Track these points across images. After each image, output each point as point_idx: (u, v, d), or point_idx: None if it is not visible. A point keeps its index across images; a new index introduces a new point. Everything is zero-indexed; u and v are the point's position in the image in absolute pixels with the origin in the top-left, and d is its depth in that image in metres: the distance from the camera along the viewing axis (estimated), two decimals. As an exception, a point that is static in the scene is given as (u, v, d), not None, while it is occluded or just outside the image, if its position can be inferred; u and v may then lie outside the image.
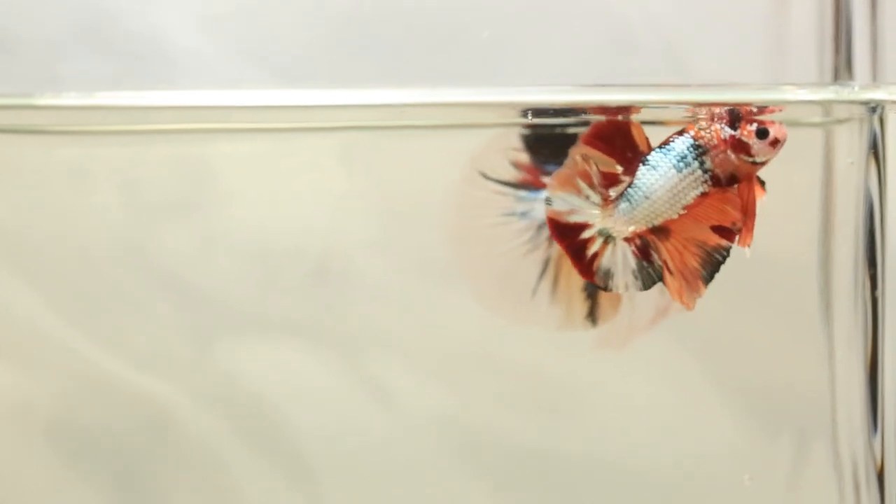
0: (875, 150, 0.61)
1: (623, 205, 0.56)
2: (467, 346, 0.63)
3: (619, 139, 0.57)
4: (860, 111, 0.61)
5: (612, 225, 0.56)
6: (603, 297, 0.58)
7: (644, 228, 0.56)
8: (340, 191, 0.63)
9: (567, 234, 0.57)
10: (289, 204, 0.63)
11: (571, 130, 0.57)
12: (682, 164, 0.56)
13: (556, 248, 0.58)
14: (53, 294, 0.63)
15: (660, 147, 0.56)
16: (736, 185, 0.56)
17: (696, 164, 0.56)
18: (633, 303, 0.58)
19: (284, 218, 0.63)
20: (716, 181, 0.56)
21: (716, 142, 0.56)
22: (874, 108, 0.61)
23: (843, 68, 0.63)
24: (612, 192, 0.56)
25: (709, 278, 0.56)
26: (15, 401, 0.63)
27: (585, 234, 0.57)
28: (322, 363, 0.64)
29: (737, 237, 0.56)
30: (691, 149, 0.56)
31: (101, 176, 0.63)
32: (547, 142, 0.58)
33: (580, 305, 0.58)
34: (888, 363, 0.62)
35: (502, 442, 0.64)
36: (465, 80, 0.61)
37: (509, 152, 0.58)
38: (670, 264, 0.56)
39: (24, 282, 0.63)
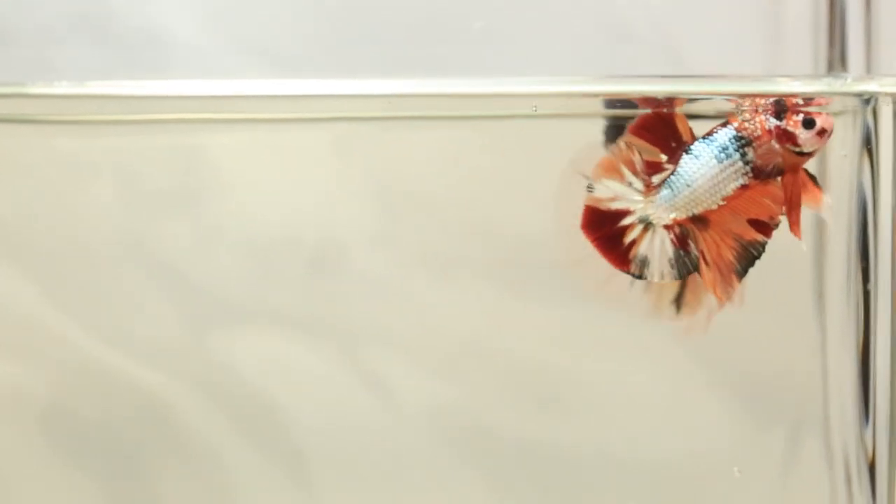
0: (868, 142, 0.61)
1: (665, 192, 0.57)
2: (466, 340, 0.63)
3: (663, 129, 0.57)
4: (854, 103, 0.61)
5: (653, 212, 0.57)
6: (691, 284, 0.58)
7: (684, 217, 0.57)
8: (338, 182, 0.63)
9: (603, 223, 0.57)
10: (287, 195, 0.63)
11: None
12: (723, 155, 0.57)
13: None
14: (49, 284, 0.63)
15: (703, 137, 0.57)
16: (780, 178, 0.57)
17: (737, 155, 0.57)
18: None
19: (282, 209, 0.63)
20: (757, 173, 0.57)
21: (760, 132, 0.57)
22: (867, 100, 0.61)
23: (837, 60, 0.63)
24: (656, 180, 0.57)
25: (743, 272, 0.57)
26: (11, 391, 0.63)
27: (626, 221, 0.57)
28: (319, 355, 0.64)
29: (773, 232, 0.57)
30: (733, 140, 0.57)
31: (97, 166, 0.63)
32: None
33: (669, 291, 0.58)
34: (880, 356, 0.62)
35: (501, 436, 0.64)
36: (458, 71, 0.61)
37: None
38: (707, 255, 0.57)
39: (20, 272, 0.63)
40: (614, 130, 0.59)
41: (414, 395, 0.64)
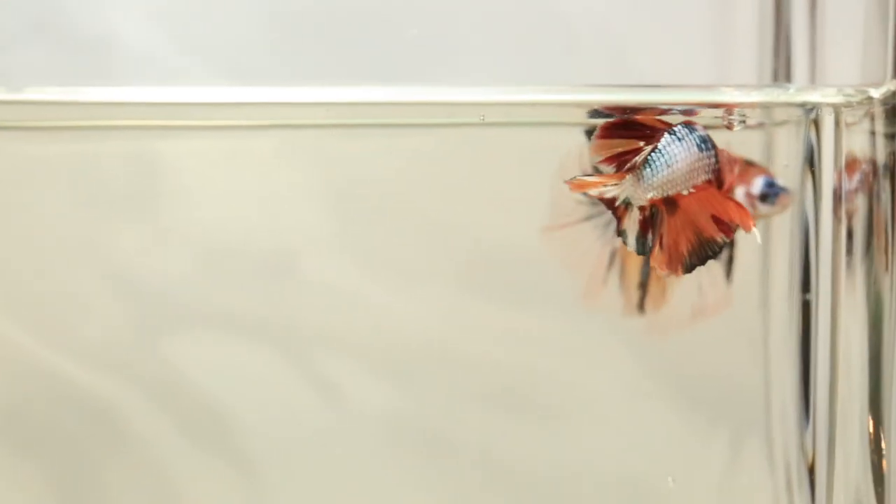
0: (810, 153, 0.62)
1: (647, 170, 0.58)
2: (417, 344, 0.64)
3: (631, 126, 0.59)
4: (797, 113, 0.62)
5: (632, 192, 0.58)
6: (653, 288, 0.61)
7: (660, 197, 0.58)
8: (290, 187, 0.63)
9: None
10: (239, 200, 0.63)
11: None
12: (703, 146, 0.58)
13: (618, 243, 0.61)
14: (1, 288, 0.63)
15: (685, 124, 0.58)
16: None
17: (712, 151, 0.58)
18: (675, 298, 0.61)
19: (234, 214, 0.63)
20: (718, 178, 0.59)
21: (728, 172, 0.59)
22: (810, 110, 0.61)
23: (782, 71, 0.63)
24: (638, 159, 0.58)
25: (691, 267, 0.58)
26: (-41, 396, 0.64)
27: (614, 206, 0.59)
28: (270, 359, 0.64)
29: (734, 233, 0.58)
30: (709, 138, 0.58)
31: (50, 171, 0.63)
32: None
33: (634, 295, 0.61)
34: (820, 364, 0.63)
35: (453, 441, 0.64)
36: (409, 79, 0.62)
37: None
38: (665, 238, 0.58)
39: (-29, 277, 0.63)
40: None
41: (365, 399, 0.64)
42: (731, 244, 0.61)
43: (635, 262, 0.61)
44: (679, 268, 0.59)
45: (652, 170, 0.58)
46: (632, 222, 0.59)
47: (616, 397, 0.64)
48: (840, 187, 0.62)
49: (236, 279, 0.63)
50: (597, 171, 0.59)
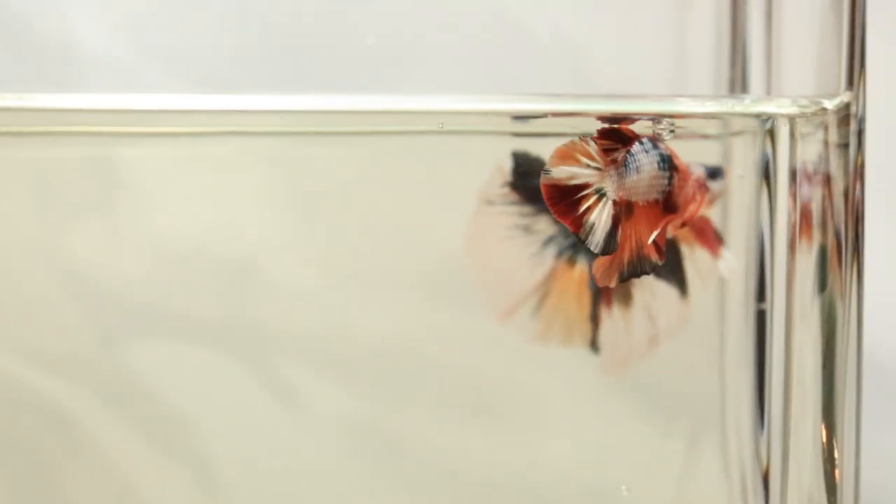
0: (765, 163, 0.62)
1: (623, 168, 0.59)
2: (377, 348, 0.64)
3: (614, 134, 0.59)
4: (753, 124, 0.62)
5: (607, 185, 0.59)
6: (604, 324, 0.61)
7: (625, 198, 0.59)
8: (249, 194, 0.63)
9: (563, 197, 0.59)
10: (198, 206, 0.63)
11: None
12: (661, 164, 0.59)
13: (554, 267, 0.61)
14: (-43, 294, 0.63)
15: (650, 139, 0.59)
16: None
17: (667, 173, 0.59)
18: (629, 331, 0.62)
19: (193, 220, 0.63)
20: (668, 199, 0.59)
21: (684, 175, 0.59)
22: (766, 120, 0.62)
23: (738, 81, 0.64)
24: (619, 156, 0.59)
25: (623, 277, 0.58)
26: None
27: (582, 193, 0.59)
28: (229, 364, 0.64)
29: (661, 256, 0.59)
30: (667, 158, 0.59)
31: (9, 177, 0.63)
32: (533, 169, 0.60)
33: (584, 331, 0.62)
34: (775, 371, 0.63)
35: (415, 449, 0.64)
36: (368, 87, 0.62)
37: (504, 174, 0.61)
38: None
39: (-74, 283, 0.63)
40: (521, 160, 0.61)
41: (325, 404, 0.64)
42: (679, 261, 0.61)
43: (576, 291, 0.61)
44: (614, 277, 0.59)
45: (626, 170, 0.59)
46: (602, 217, 0.59)
47: (572, 403, 0.64)
48: (795, 197, 0.62)
49: (195, 284, 0.63)
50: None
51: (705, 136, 0.62)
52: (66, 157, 0.63)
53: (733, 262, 0.62)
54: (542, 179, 0.59)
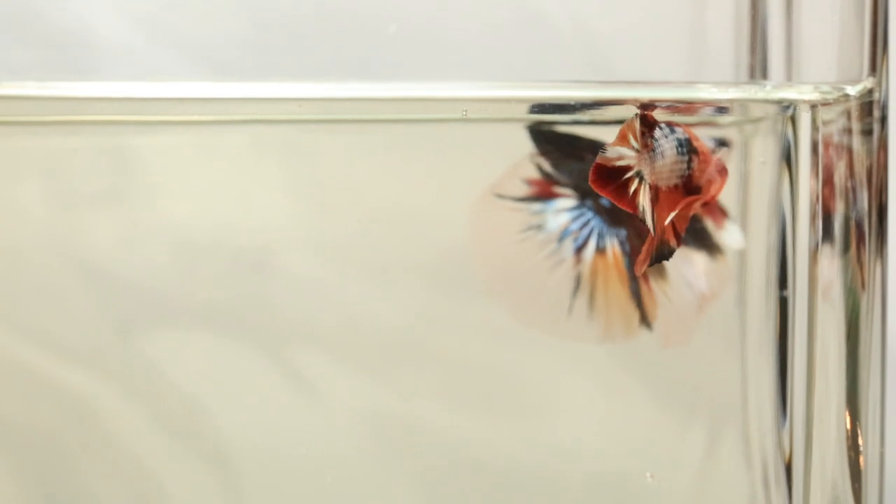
0: (787, 150, 0.62)
1: (653, 153, 0.59)
2: (395, 341, 0.64)
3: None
4: (773, 111, 0.62)
5: (644, 168, 0.59)
6: (647, 300, 0.61)
7: (654, 183, 0.59)
8: (266, 183, 0.63)
9: (611, 177, 0.59)
10: (213, 196, 0.63)
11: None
12: (679, 149, 0.59)
13: (587, 265, 0.61)
14: (-27, 284, 0.63)
15: (668, 124, 0.59)
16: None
17: (686, 157, 0.59)
18: (672, 301, 0.61)
19: (210, 209, 0.63)
20: (687, 184, 0.59)
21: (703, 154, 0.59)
22: (787, 107, 0.62)
23: (758, 67, 0.64)
24: (648, 140, 0.59)
25: (651, 263, 0.59)
26: (-67, 393, 0.63)
27: (627, 175, 0.59)
28: (248, 357, 0.64)
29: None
30: (686, 142, 0.59)
31: (22, 167, 0.63)
32: (555, 139, 0.60)
33: (630, 314, 0.61)
34: (797, 360, 0.63)
35: (432, 440, 0.64)
36: (386, 75, 0.62)
37: (520, 170, 0.61)
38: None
39: (-58, 273, 0.63)
40: (538, 135, 0.60)
41: (343, 397, 0.64)
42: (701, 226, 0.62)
43: (614, 276, 0.61)
44: (645, 264, 0.59)
45: (655, 154, 0.59)
46: (647, 201, 0.59)
47: (591, 393, 0.64)
48: (817, 184, 0.62)
49: (211, 274, 0.63)
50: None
51: (713, 124, 0.62)
52: (81, 147, 0.63)
53: (738, 234, 0.62)
54: (598, 158, 0.59)
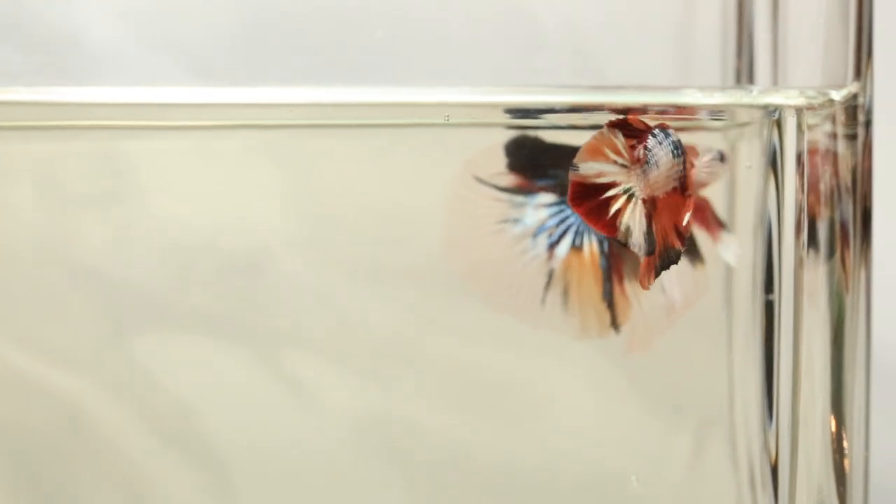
0: (772, 154, 0.62)
1: (644, 167, 0.58)
2: (390, 345, 0.64)
3: (626, 126, 0.59)
4: (759, 115, 0.62)
5: (635, 183, 0.58)
6: (619, 302, 0.60)
7: (650, 195, 0.59)
8: (259, 187, 0.63)
9: (589, 196, 0.58)
10: (207, 200, 0.63)
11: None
12: (675, 152, 0.59)
13: (561, 260, 0.60)
14: (-34, 289, 0.63)
15: (661, 128, 0.59)
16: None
17: (681, 158, 0.59)
18: (643, 306, 0.61)
19: (203, 214, 0.63)
20: (682, 184, 0.59)
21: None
22: (773, 111, 0.62)
23: (744, 72, 0.64)
24: (639, 153, 0.58)
25: (657, 272, 0.59)
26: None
27: (610, 193, 0.58)
28: (240, 360, 0.64)
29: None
30: (679, 143, 0.59)
31: (18, 171, 0.63)
32: (526, 150, 0.60)
33: (601, 314, 0.61)
34: (783, 363, 0.63)
35: (423, 442, 0.64)
36: (368, 80, 0.62)
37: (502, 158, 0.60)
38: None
39: (-65, 278, 0.63)
40: (514, 146, 0.60)
41: (335, 400, 0.64)
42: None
43: (588, 275, 0.61)
44: (652, 275, 0.59)
45: (649, 166, 0.58)
46: (635, 216, 0.59)
47: (578, 396, 0.64)
48: (802, 188, 0.62)
49: (203, 278, 0.63)
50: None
51: (696, 129, 0.62)
52: (74, 151, 0.63)
53: (735, 246, 0.62)
54: (571, 176, 0.58)
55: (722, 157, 0.61)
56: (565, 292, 0.61)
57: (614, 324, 0.61)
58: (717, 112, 0.62)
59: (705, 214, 0.61)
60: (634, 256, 0.59)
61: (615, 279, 0.61)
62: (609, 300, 0.60)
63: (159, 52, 0.64)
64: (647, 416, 0.64)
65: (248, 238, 0.63)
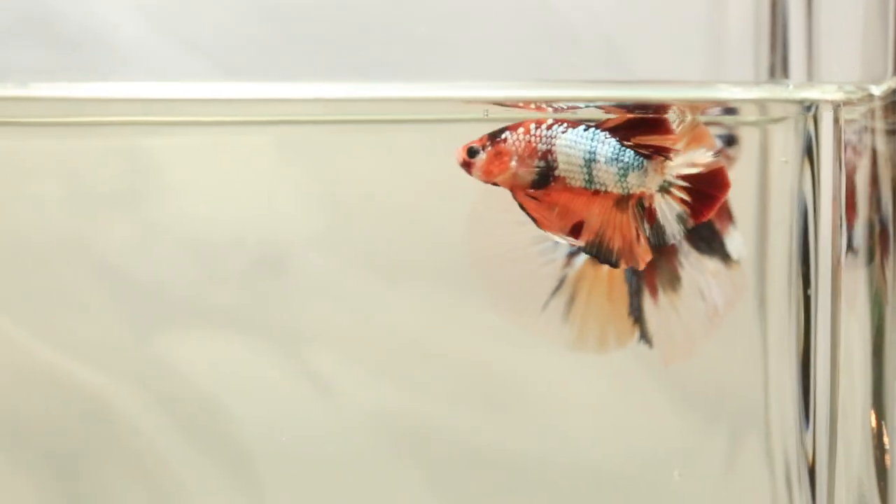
0: (809, 149, 0.62)
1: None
2: (410, 341, 0.64)
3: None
4: (795, 110, 0.62)
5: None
6: (650, 316, 0.60)
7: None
8: (282, 184, 0.63)
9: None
10: (230, 196, 0.63)
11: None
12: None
13: (574, 269, 0.60)
14: (-8, 285, 0.63)
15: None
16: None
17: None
18: (681, 315, 0.60)
19: (226, 210, 0.63)
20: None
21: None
22: (808, 106, 0.61)
23: (779, 67, 0.63)
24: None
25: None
26: (-46, 392, 0.63)
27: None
28: (263, 355, 0.64)
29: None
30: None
31: (41, 167, 0.63)
32: None
33: (623, 329, 0.60)
34: (820, 360, 0.63)
35: (443, 437, 0.64)
36: (402, 75, 0.62)
37: None
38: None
39: (-37, 272, 0.63)
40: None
41: (358, 396, 0.64)
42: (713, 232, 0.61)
43: (602, 288, 0.61)
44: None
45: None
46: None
47: (613, 395, 0.64)
48: (840, 184, 0.62)
49: (228, 275, 0.63)
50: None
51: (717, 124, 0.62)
52: (99, 148, 0.63)
53: (739, 242, 0.62)
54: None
55: (731, 142, 0.61)
56: (571, 301, 0.60)
57: (645, 338, 0.60)
58: (730, 110, 0.61)
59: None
60: (671, 266, 0.59)
61: (647, 292, 0.60)
62: (637, 315, 0.60)
63: (184, 47, 0.64)
64: (681, 415, 0.64)
65: (270, 234, 0.63)
